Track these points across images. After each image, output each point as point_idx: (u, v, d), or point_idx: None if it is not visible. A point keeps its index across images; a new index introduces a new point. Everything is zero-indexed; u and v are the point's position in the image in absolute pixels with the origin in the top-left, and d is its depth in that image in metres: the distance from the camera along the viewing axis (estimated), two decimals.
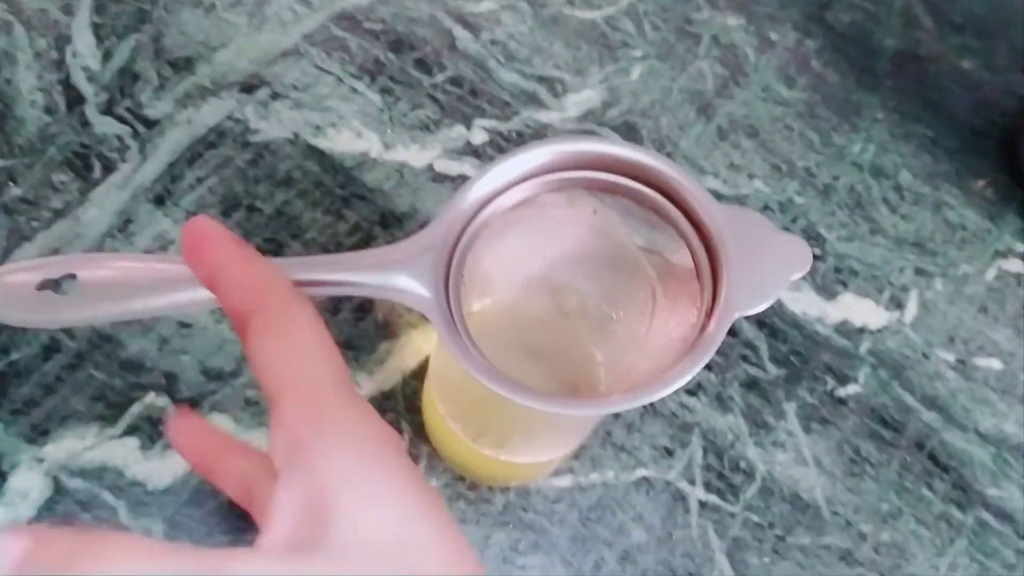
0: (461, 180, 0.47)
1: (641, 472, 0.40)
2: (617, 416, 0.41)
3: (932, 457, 0.43)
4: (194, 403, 0.38)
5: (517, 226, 0.33)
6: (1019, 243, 0.51)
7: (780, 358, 0.44)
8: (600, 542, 0.38)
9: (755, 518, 0.40)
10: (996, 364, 0.46)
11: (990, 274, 0.50)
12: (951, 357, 0.46)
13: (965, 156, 0.56)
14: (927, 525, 0.41)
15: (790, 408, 0.43)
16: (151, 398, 0.38)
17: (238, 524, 0.36)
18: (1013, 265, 0.50)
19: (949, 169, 0.55)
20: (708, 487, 0.40)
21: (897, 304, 0.48)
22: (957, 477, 0.42)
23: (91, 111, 0.46)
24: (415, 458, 0.39)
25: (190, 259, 0.24)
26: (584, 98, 0.52)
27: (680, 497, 0.40)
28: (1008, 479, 0.43)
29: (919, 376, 0.45)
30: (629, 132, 0.51)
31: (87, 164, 0.44)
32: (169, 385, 0.39)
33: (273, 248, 0.43)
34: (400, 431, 0.39)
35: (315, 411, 0.21)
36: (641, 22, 0.57)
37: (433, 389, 0.37)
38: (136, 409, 0.38)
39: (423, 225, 0.46)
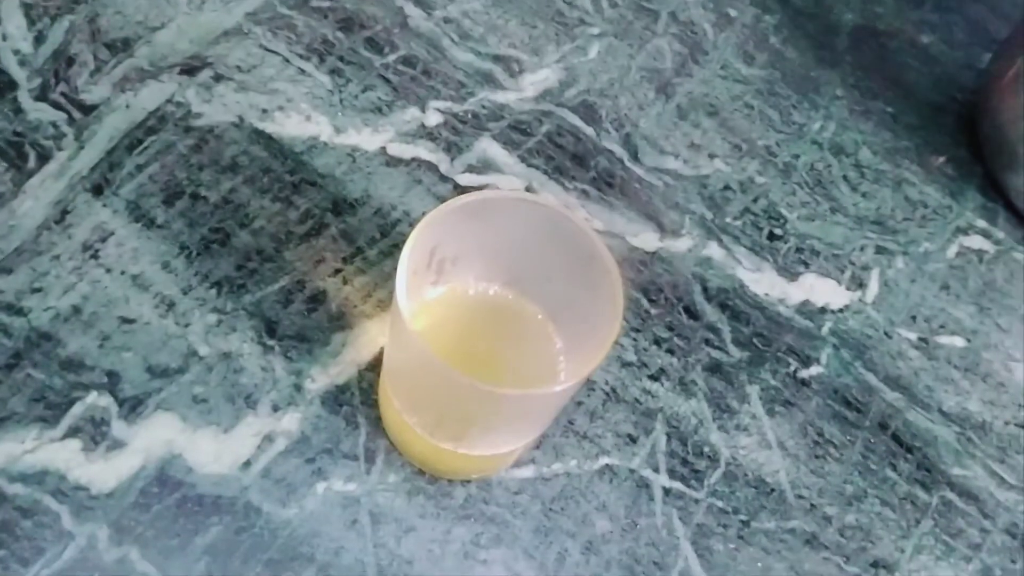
0: (415, 164, 0.46)
1: (604, 460, 0.39)
2: (579, 404, 0.40)
3: (896, 438, 0.42)
4: (138, 402, 0.37)
5: (473, 213, 0.32)
6: (980, 219, 0.51)
7: (743, 341, 0.44)
8: (563, 533, 0.37)
9: (719, 504, 0.39)
10: (959, 342, 0.46)
11: (951, 251, 0.49)
12: (913, 336, 0.46)
13: (925, 132, 0.55)
14: (892, 506, 0.41)
15: (753, 391, 0.42)
16: (93, 398, 0.37)
17: (186, 526, 0.35)
18: (974, 241, 0.50)
19: (909, 145, 0.54)
20: (672, 474, 0.40)
21: (859, 283, 0.47)
22: (921, 457, 0.42)
23: (24, 97, 0.43)
24: (372, 453, 0.37)
25: None
26: (541, 78, 0.51)
27: (644, 485, 0.39)
28: (972, 458, 0.43)
29: (881, 356, 0.45)
30: (588, 112, 0.50)
31: (21, 153, 0.42)
32: (112, 384, 0.37)
33: (220, 238, 0.41)
34: (356, 425, 0.38)
35: None
36: None
37: (388, 382, 0.36)
38: (77, 410, 0.36)
39: (377, 212, 0.45)
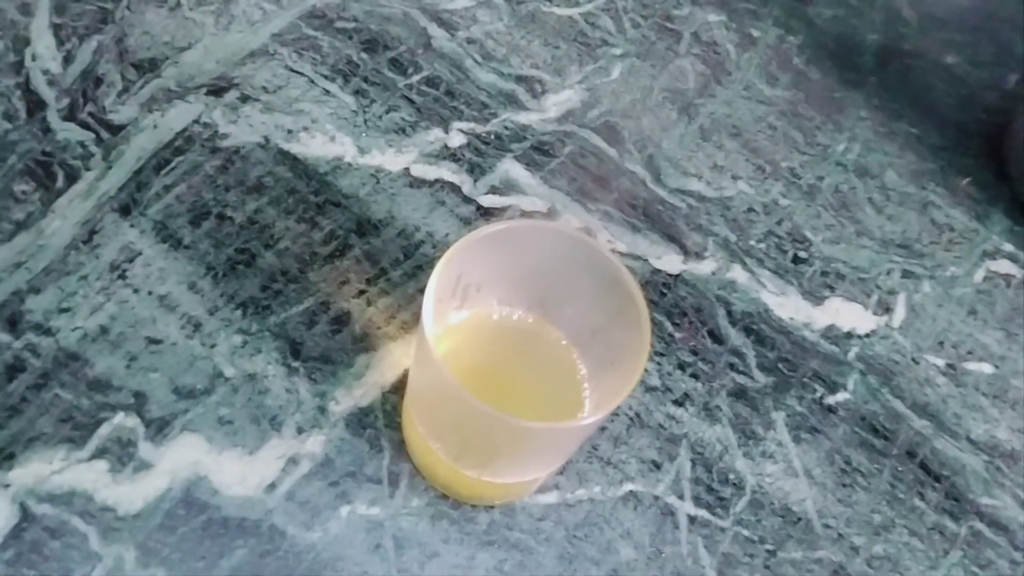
0: (439, 185, 0.46)
1: (629, 487, 0.39)
2: (603, 429, 0.40)
3: (924, 466, 0.42)
4: (165, 423, 0.37)
5: (499, 241, 0.32)
6: (1007, 243, 0.51)
7: (768, 366, 0.43)
8: (588, 561, 0.37)
9: (746, 532, 0.39)
10: (987, 368, 0.46)
11: (978, 275, 0.49)
12: (941, 362, 0.45)
13: (950, 153, 0.55)
14: (920, 536, 0.40)
15: (779, 417, 0.42)
16: (120, 419, 0.37)
17: (212, 549, 0.35)
18: (1002, 266, 0.50)
19: (934, 167, 0.54)
20: (697, 501, 0.39)
21: (885, 308, 0.47)
22: (950, 486, 0.42)
23: (52, 117, 0.44)
24: (396, 476, 0.37)
25: None
26: (564, 98, 0.51)
27: (669, 512, 0.39)
28: (1001, 487, 0.42)
29: (909, 382, 0.44)
30: (610, 133, 0.50)
31: (49, 173, 0.42)
32: (138, 405, 0.37)
33: (245, 259, 0.41)
34: (380, 448, 0.38)
35: None
36: (621, 19, 0.55)
37: (412, 407, 0.36)
38: (104, 430, 0.37)
39: (400, 233, 0.45)
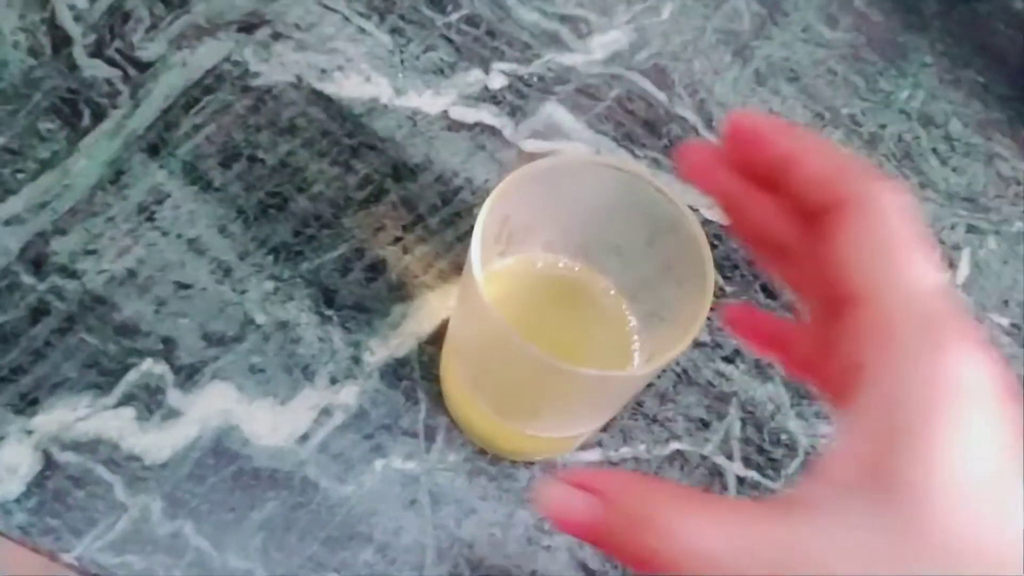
0: (478, 129, 0.44)
1: (675, 446, 0.37)
2: (649, 386, 0.38)
3: None
4: (194, 370, 0.36)
5: (548, 179, 0.30)
6: None
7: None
8: None
9: None
10: None
11: None
12: (1006, 321, 0.43)
13: (1018, 103, 0.52)
14: None
15: None
16: (148, 365, 0.36)
17: (242, 500, 0.33)
18: None
19: (1001, 118, 0.51)
20: (747, 462, 0.37)
21: (949, 264, 0.44)
22: None
23: (79, 53, 0.42)
24: (433, 430, 0.36)
25: (742, 155, 0.23)
26: (611, 39, 0.48)
27: (717, 473, 0.37)
28: None
29: None
30: (659, 76, 0.48)
31: (75, 110, 0.41)
32: (167, 351, 0.36)
33: (277, 203, 0.39)
34: (416, 401, 0.36)
35: (887, 330, 0.19)
36: None
37: (453, 357, 0.34)
38: (132, 377, 0.35)
39: (438, 179, 0.43)
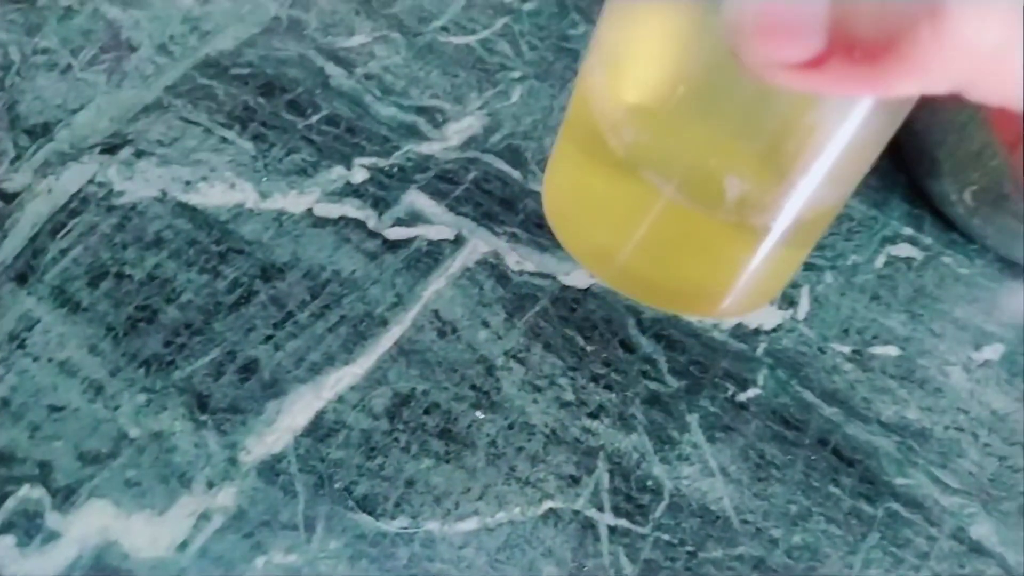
0: (343, 222, 0.46)
1: (548, 504, 0.39)
2: (520, 449, 0.41)
3: (836, 452, 0.43)
4: (71, 491, 0.37)
5: None
6: (906, 227, 0.52)
7: (680, 370, 0.44)
8: None
9: (666, 537, 0.39)
10: (892, 351, 0.47)
11: (879, 261, 0.50)
12: (847, 349, 0.46)
13: None
14: (837, 523, 0.41)
15: (693, 419, 0.43)
16: (25, 491, 0.36)
17: None
18: (902, 250, 0.51)
19: None
20: (617, 511, 0.40)
21: (789, 302, 0.48)
22: (863, 470, 0.43)
23: None
24: (312, 520, 0.37)
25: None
26: (465, 126, 0.52)
27: (589, 525, 0.39)
28: (915, 466, 0.43)
29: (817, 372, 0.45)
30: (513, 155, 0.51)
31: None
32: (43, 475, 0.37)
33: (146, 315, 0.41)
34: (295, 494, 0.38)
35: None
36: (518, 43, 0.56)
37: (608, 82, 0.20)
38: (10, 504, 0.36)
39: (306, 275, 0.45)
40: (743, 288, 0.23)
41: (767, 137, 0.19)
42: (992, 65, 0.13)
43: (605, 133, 0.20)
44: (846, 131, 0.18)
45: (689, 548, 0.39)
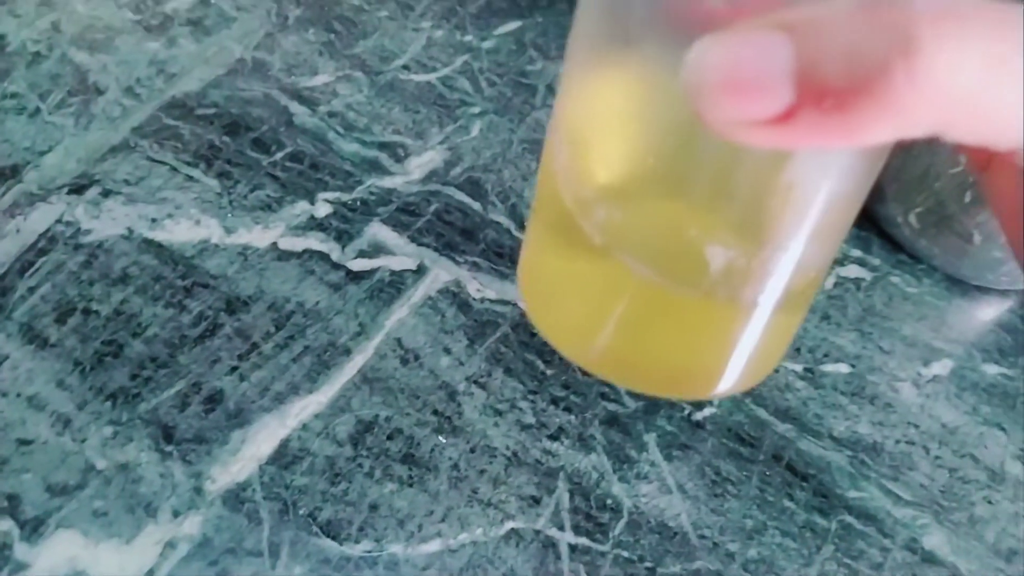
0: (307, 255, 0.47)
1: (510, 525, 0.40)
2: (482, 472, 0.41)
3: (790, 467, 0.44)
4: (39, 522, 0.37)
5: None
6: (854, 249, 0.54)
7: (637, 391, 0.45)
8: None
9: (625, 554, 0.40)
10: (843, 368, 0.48)
11: (829, 283, 0.52)
12: (799, 367, 0.48)
13: None
14: (792, 536, 0.42)
15: (651, 439, 0.44)
16: None
17: None
18: (851, 271, 0.53)
19: None
20: (577, 530, 0.41)
21: None
22: (817, 484, 0.44)
23: None
24: (277, 546, 0.38)
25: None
26: (426, 160, 0.53)
27: (550, 544, 0.40)
28: (867, 480, 0.45)
29: (770, 390, 0.47)
30: (473, 188, 0.52)
31: None
32: (12, 508, 0.37)
33: (113, 350, 0.42)
34: (260, 521, 0.38)
35: None
36: (477, 80, 0.58)
37: (575, 162, 0.19)
38: None
39: (271, 307, 0.46)
40: (739, 366, 0.21)
41: (745, 201, 0.18)
42: (970, 105, 0.13)
43: (576, 215, 0.19)
44: (826, 185, 0.18)
45: (648, 564, 0.40)
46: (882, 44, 0.12)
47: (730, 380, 0.21)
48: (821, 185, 0.17)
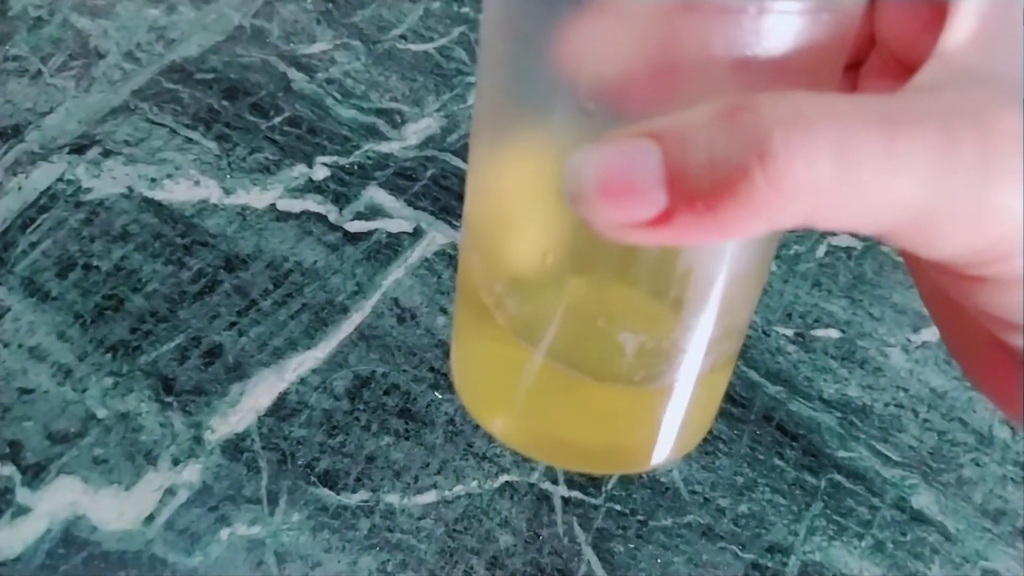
0: (305, 216, 0.48)
1: (504, 478, 0.41)
2: (477, 427, 0.42)
3: (781, 428, 0.45)
4: (41, 468, 0.38)
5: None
6: None
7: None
8: (468, 552, 0.39)
9: (618, 507, 0.41)
10: (834, 333, 0.49)
11: (820, 251, 0.53)
12: (790, 332, 0.49)
13: None
14: (782, 493, 0.43)
15: None
16: None
17: None
18: (842, 240, 0.54)
19: None
20: (571, 484, 0.41)
21: None
22: (807, 444, 0.45)
23: None
24: (275, 494, 0.38)
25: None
26: (423, 126, 0.54)
27: (544, 497, 0.41)
28: (856, 440, 0.45)
29: (761, 353, 0.47)
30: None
31: None
32: (14, 454, 0.38)
33: (113, 304, 0.42)
34: (258, 470, 0.39)
35: None
36: (473, 50, 0.59)
37: (482, 256, 0.20)
38: None
39: (269, 265, 0.46)
40: (669, 439, 0.21)
41: (646, 287, 0.19)
42: (829, 197, 0.13)
43: (491, 309, 0.20)
44: (723, 267, 0.18)
45: (640, 517, 0.41)
46: (740, 149, 0.13)
47: (663, 453, 0.21)
48: (718, 268, 0.18)
